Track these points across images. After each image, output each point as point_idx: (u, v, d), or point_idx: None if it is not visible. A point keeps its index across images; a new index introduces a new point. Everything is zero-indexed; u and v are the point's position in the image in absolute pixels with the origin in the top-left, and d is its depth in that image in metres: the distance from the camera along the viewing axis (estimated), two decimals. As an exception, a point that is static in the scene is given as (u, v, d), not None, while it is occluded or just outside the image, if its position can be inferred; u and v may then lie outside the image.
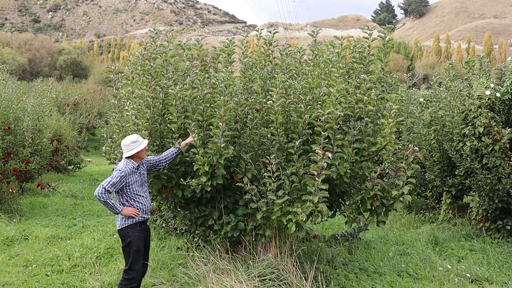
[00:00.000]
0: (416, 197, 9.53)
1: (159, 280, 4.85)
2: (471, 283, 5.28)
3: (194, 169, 4.60)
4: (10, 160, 8.55)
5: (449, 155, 7.73)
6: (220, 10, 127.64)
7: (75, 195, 11.07)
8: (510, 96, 7.10)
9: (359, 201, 4.76)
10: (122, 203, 4.28)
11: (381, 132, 4.57)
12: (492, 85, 7.10)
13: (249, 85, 5.22)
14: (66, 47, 52.76)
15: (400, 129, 7.29)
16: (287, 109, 4.76)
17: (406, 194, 4.52)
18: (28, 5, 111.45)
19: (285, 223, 4.46)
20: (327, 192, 4.27)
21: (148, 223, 4.58)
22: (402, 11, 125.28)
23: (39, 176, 10.40)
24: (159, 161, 4.56)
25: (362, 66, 4.87)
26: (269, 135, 4.67)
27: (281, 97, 4.63)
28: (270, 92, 4.86)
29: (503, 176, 6.72)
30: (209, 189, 4.61)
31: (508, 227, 6.90)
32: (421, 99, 9.38)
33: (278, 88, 4.63)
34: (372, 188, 4.60)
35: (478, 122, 6.82)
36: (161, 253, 5.91)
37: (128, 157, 4.29)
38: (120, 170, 4.18)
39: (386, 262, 5.86)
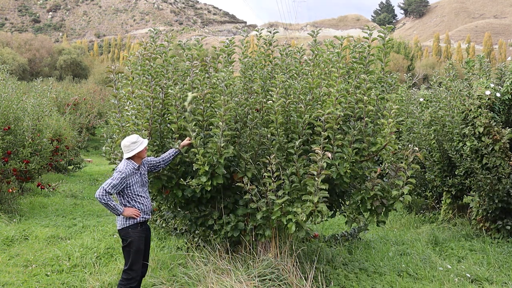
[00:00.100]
0: (416, 197, 9.53)
1: (159, 280, 4.85)
2: (471, 283, 5.28)
3: (194, 169, 4.60)
4: (10, 160, 8.56)
5: (449, 155, 7.73)
6: (220, 10, 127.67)
7: (75, 195, 11.07)
8: (510, 96, 7.10)
9: (359, 201, 4.76)
10: (123, 204, 4.28)
11: (381, 132, 4.57)
12: (492, 85, 7.10)
13: (249, 85, 5.22)
14: (66, 47, 52.77)
15: (400, 129, 7.29)
16: (287, 109, 4.76)
17: (406, 194, 4.52)
18: (28, 5, 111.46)
19: (285, 223, 4.46)
20: (327, 192, 4.27)
21: (148, 223, 4.58)
22: (402, 11, 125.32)
23: (39, 176, 10.40)
24: (158, 162, 4.56)
25: (362, 66, 4.86)
26: (269, 135, 4.67)
27: (281, 97, 4.63)
28: (270, 92, 4.86)
29: (503, 176, 6.72)
30: (209, 189, 4.61)
31: (508, 227, 6.90)
32: (421, 99, 9.38)
33: (278, 88, 4.63)
34: (372, 188, 4.60)
35: (478, 122, 6.82)
36: (161, 253, 5.91)
37: (128, 158, 4.29)
38: (120, 172, 4.17)
39: (386, 262, 5.86)
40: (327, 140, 4.42)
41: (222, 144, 4.43)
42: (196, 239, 5.68)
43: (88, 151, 20.60)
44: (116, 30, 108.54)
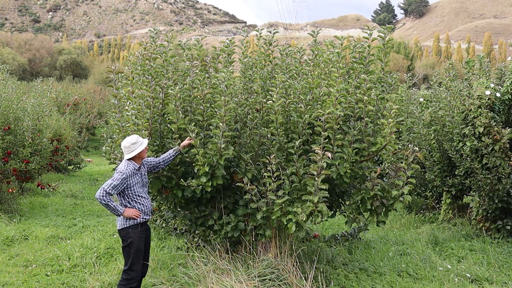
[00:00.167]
0: (416, 197, 9.52)
1: (159, 280, 4.85)
2: (471, 283, 5.28)
3: (195, 170, 4.60)
4: (10, 160, 8.56)
5: (449, 155, 7.73)
6: (220, 10, 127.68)
7: (75, 195, 11.06)
8: (510, 96, 7.10)
9: (359, 201, 4.76)
10: (123, 205, 4.27)
11: (381, 132, 4.57)
12: (492, 85, 7.10)
13: (249, 85, 5.22)
14: (66, 47, 52.79)
15: (400, 129, 7.29)
16: (287, 109, 4.76)
17: (406, 194, 4.52)
18: (28, 5, 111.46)
19: (285, 223, 4.46)
20: (327, 192, 4.27)
21: (148, 223, 4.58)
22: (402, 11, 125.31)
23: (39, 176, 10.40)
24: (158, 163, 4.56)
25: (362, 66, 4.86)
26: (269, 135, 4.67)
27: (281, 97, 4.63)
28: (270, 92, 4.86)
29: (503, 176, 6.72)
30: (209, 189, 4.61)
31: (508, 227, 6.90)
32: (421, 99, 9.38)
33: (278, 88, 4.63)
34: (372, 188, 4.60)
35: (478, 122, 6.82)
36: (161, 253, 5.91)
37: (129, 159, 4.28)
38: (121, 172, 4.17)
39: (386, 262, 5.86)
40: (327, 140, 4.42)
41: (222, 145, 4.43)
42: (196, 239, 5.68)
43: (88, 151, 20.60)
44: (116, 30, 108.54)
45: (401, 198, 4.56)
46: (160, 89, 4.86)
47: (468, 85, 8.07)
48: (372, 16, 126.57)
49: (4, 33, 57.83)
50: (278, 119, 4.56)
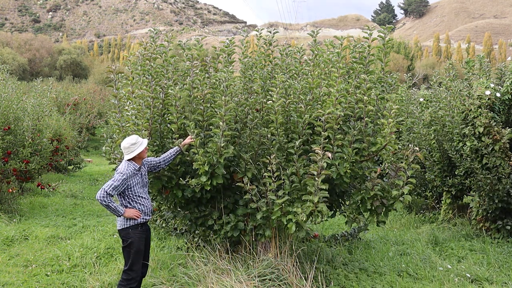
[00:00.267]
0: (416, 197, 9.52)
1: (159, 280, 4.85)
2: (471, 283, 5.28)
3: (194, 169, 4.60)
4: (10, 160, 8.56)
5: (449, 155, 7.73)
6: (220, 10, 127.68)
7: (75, 195, 11.06)
8: (510, 96, 7.10)
9: (359, 201, 4.76)
10: (123, 205, 4.27)
11: (381, 132, 4.57)
12: (492, 85, 7.10)
13: (249, 85, 5.22)
14: (66, 47, 52.79)
15: (400, 129, 7.29)
16: (287, 109, 4.76)
17: (406, 194, 4.52)
18: (28, 5, 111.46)
19: (285, 223, 4.46)
20: (327, 192, 4.27)
21: (148, 224, 4.58)
22: (402, 11, 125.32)
23: (39, 176, 10.40)
24: (159, 162, 4.55)
25: (362, 66, 4.86)
26: (269, 135, 4.67)
27: (281, 97, 4.62)
28: (270, 92, 4.86)
29: (503, 176, 6.72)
30: (209, 189, 4.61)
31: (508, 227, 6.90)
32: (421, 99, 9.38)
33: (278, 88, 4.63)
34: (372, 188, 4.60)
35: (478, 122, 6.82)
36: (161, 253, 5.91)
37: (129, 159, 4.28)
38: (121, 173, 4.16)
39: (386, 262, 5.86)
40: (327, 140, 4.42)
41: (222, 144, 4.43)
42: (196, 239, 5.68)
43: (88, 151, 20.60)
44: (116, 30, 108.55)
45: (401, 198, 4.56)
46: (160, 89, 4.86)
47: (468, 85, 8.07)
48: (372, 16, 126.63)
49: (4, 33, 57.84)
50: (278, 119, 4.56)
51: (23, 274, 5.37)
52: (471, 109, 7.01)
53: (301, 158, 4.51)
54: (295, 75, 5.30)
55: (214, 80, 4.86)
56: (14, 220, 7.91)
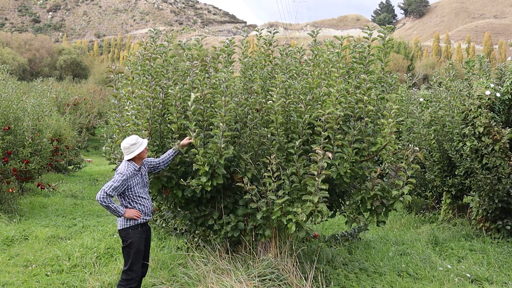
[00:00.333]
0: (416, 197, 9.52)
1: (159, 280, 4.85)
2: (471, 283, 5.28)
3: (194, 169, 4.60)
4: (10, 160, 8.55)
5: (449, 155, 7.73)
6: (220, 10, 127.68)
7: (75, 195, 11.06)
8: (510, 96, 7.10)
9: (359, 201, 4.76)
10: (124, 205, 4.26)
11: (381, 132, 4.57)
12: (492, 85, 7.10)
13: (249, 85, 5.22)
14: (66, 47, 52.80)
15: (400, 129, 7.29)
16: (287, 109, 4.76)
17: (406, 194, 4.52)
18: (28, 5, 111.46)
19: (285, 223, 4.46)
20: (327, 192, 4.27)
21: (148, 224, 4.57)
22: (402, 11, 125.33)
23: (39, 176, 10.40)
24: (158, 164, 4.55)
25: (362, 66, 4.86)
26: (269, 135, 4.67)
27: (281, 97, 4.62)
28: (270, 92, 4.86)
29: (503, 176, 6.72)
30: (209, 189, 4.60)
31: (508, 227, 6.90)
32: (421, 99, 9.38)
33: (278, 88, 4.63)
34: (372, 188, 4.60)
35: (478, 122, 6.82)
36: (161, 253, 5.91)
37: (129, 160, 4.27)
38: (121, 174, 4.15)
39: (386, 262, 5.86)
40: (327, 140, 4.42)
41: (222, 145, 4.43)
42: (196, 239, 5.68)
43: (88, 151, 20.60)
44: (116, 30, 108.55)
45: (401, 198, 4.56)
46: (160, 89, 4.86)
47: (468, 85, 8.07)
48: (372, 16, 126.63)
49: (4, 33, 57.85)
50: (278, 119, 4.56)
51: (23, 274, 5.37)
52: (471, 109, 7.01)
53: (301, 158, 4.51)
54: (295, 75, 5.30)
55: (214, 80, 4.86)
56: (14, 220, 7.91)
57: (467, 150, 7.05)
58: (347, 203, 5.29)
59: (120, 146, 4.71)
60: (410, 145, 4.62)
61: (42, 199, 9.97)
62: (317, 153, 4.17)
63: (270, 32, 5.71)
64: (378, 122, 4.69)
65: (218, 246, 4.98)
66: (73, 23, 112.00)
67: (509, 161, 6.72)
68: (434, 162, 8.27)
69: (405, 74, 10.44)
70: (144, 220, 4.32)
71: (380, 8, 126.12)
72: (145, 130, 4.77)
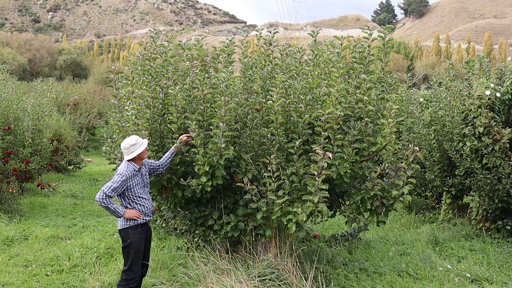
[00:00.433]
0: (416, 197, 9.52)
1: (159, 280, 4.85)
2: (471, 283, 5.28)
3: (195, 170, 4.60)
4: (10, 160, 8.55)
5: (449, 155, 7.73)
6: (220, 10, 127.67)
7: (75, 195, 11.06)
8: (510, 96, 7.10)
9: (359, 201, 4.76)
10: (124, 206, 4.26)
11: (381, 132, 4.57)
12: (492, 85, 7.10)
13: (249, 85, 5.22)
14: (66, 47, 52.80)
15: (400, 129, 7.29)
16: (287, 109, 4.76)
17: (406, 194, 4.52)
18: (28, 5, 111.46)
19: (285, 223, 4.46)
20: (327, 192, 4.27)
21: (148, 224, 4.57)
22: (402, 11, 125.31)
23: (39, 176, 10.40)
24: (158, 166, 4.55)
25: (362, 66, 4.86)
26: (269, 135, 4.67)
27: (281, 97, 4.63)
28: (270, 92, 4.86)
29: (503, 176, 6.72)
30: (209, 189, 4.60)
31: (508, 227, 6.90)
32: (421, 99, 9.38)
33: (278, 88, 4.63)
34: (372, 188, 4.60)
35: (478, 122, 6.82)
36: (161, 253, 5.91)
37: (129, 160, 4.27)
38: (121, 174, 4.14)
39: (386, 262, 5.86)
40: (327, 140, 4.42)
41: (223, 145, 4.43)
42: (196, 239, 5.68)
43: (88, 151, 20.60)
44: (116, 30, 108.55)
45: (401, 198, 4.56)
46: (160, 89, 4.86)
47: (468, 85, 8.07)
48: (372, 16, 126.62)
49: (4, 33, 57.84)
50: (278, 119, 4.56)
51: (23, 274, 5.37)
52: (471, 109, 7.01)
53: (301, 158, 4.51)
54: (295, 75, 5.30)
55: (214, 80, 4.86)
56: (14, 220, 7.91)
57: (467, 150, 7.05)
58: (347, 203, 5.29)
59: (120, 146, 4.71)
60: (410, 145, 4.62)
61: (42, 199, 9.97)
62: (317, 153, 4.17)
63: (270, 32, 5.71)
64: (378, 122, 4.69)
65: (218, 246, 4.98)
66: (73, 23, 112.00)
67: (509, 161, 6.72)
68: (434, 162, 8.27)
69: (405, 74, 10.45)
70: (144, 221, 4.32)
71: (380, 8, 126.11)
72: (145, 130, 4.77)
